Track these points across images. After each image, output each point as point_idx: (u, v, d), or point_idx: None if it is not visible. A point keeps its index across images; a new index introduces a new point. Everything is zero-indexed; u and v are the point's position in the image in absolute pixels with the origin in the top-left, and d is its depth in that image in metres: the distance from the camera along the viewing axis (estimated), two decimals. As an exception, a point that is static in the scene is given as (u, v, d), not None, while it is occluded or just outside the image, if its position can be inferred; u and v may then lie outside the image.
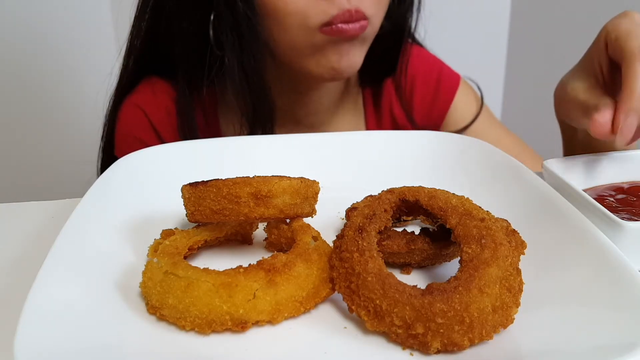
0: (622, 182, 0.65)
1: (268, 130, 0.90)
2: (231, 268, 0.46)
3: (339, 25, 0.81)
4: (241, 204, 0.50)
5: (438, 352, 0.42)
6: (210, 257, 0.55)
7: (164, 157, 0.69)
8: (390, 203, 0.53)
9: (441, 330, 0.41)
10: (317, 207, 0.56)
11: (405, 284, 0.43)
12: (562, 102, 0.71)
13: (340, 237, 0.50)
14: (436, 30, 1.08)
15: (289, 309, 0.45)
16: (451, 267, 0.53)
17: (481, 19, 2.12)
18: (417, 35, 1.06)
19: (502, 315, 0.42)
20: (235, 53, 0.84)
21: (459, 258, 0.46)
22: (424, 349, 0.42)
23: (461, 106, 1.07)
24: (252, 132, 0.90)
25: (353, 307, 0.44)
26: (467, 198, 0.52)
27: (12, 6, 1.59)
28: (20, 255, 0.59)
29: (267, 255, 0.48)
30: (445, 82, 1.07)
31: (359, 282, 0.44)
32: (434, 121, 1.08)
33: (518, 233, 0.50)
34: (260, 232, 0.58)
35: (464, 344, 0.41)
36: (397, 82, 1.05)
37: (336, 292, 0.47)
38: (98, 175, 0.66)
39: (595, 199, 0.55)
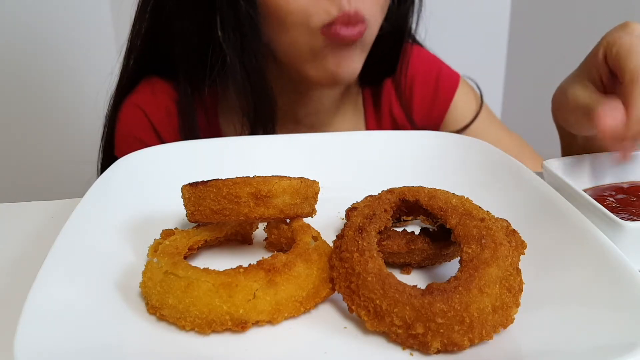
0: (622, 182, 0.65)
1: (269, 131, 0.91)
2: (231, 268, 0.46)
3: (339, 30, 0.81)
4: (241, 204, 0.50)
5: (438, 352, 0.42)
6: (210, 257, 0.55)
7: (164, 157, 0.69)
8: (390, 203, 0.53)
9: (441, 330, 0.41)
10: (317, 207, 0.56)
11: (405, 284, 0.43)
12: (562, 108, 0.70)
13: (340, 237, 0.50)
14: (436, 30, 1.08)
15: (289, 309, 0.45)
16: (451, 267, 0.53)
17: (481, 19, 2.12)
18: (417, 36, 1.06)
19: (502, 315, 0.42)
20: (237, 52, 0.84)
21: (459, 258, 0.46)
22: (424, 349, 0.42)
23: (461, 105, 1.07)
24: (253, 132, 0.90)
25: (353, 307, 0.44)
26: (467, 198, 0.52)
27: (12, 6, 1.59)
28: (20, 255, 0.58)
29: (267, 255, 0.48)
30: (445, 81, 1.07)
31: (359, 282, 0.44)
32: (434, 121, 1.08)
33: (518, 233, 0.50)
34: (260, 232, 0.58)
35: (464, 344, 0.41)
36: (396, 82, 1.05)
37: (336, 292, 0.47)
38: (98, 175, 0.66)
39: (595, 199, 0.55)
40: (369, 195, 0.59)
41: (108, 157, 0.99)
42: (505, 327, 0.43)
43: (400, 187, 0.55)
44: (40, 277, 0.43)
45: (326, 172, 0.67)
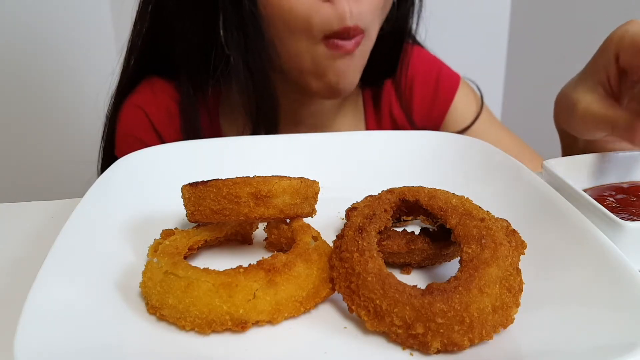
0: (622, 182, 0.65)
1: (272, 131, 0.91)
2: (231, 268, 0.46)
3: (336, 41, 0.82)
4: (241, 204, 0.50)
5: (438, 352, 0.42)
6: (210, 257, 0.55)
7: (164, 157, 0.69)
8: (390, 203, 0.53)
9: (441, 330, 0.41)
10: (317, 207, 0.56)
11: (405, 284, 0.43)
12: (567, 113, 0.69)
13: (340, 237, 0.50)
14: (436, 30, 1.08)
15: (289, 309, 0.45)
16: (451, 267, 0.53)
17: (481, 19, 2.12)
18: (417, 36, 1.06)
19: (502, 315, 0.42)
20: (240, 52, 0.84)
21: (459, 258, 0.46)
22: (424, 349, 0.42)
23: (461, 106, 1.07)
24: (255, 132, 0.90)
25: (353, 307, 0.44)
26: (467, 198, 0.52)
27: (12, 6, 1.59)
28: (20, 255, 0.58)
29: (267, 255, 0.48)
30: (445, 82, 1.07)
31: (359, 282, 0.44)
32: (434, 121, 1.08)
33: (518, 233, 0.50)
34: (260, 232, 0.58)
35: (464, 344, 0.41)
36: (397, 83, 1.05)
37: (336, 292, 0.47)
38: (98, 175, 0.66)
39: (595, 199, 0.55)
40: (369, 195, 0.59)
41: (108, 157, 0.99)
42: (505, 327, 0.43)
43: (400, 187, 0.55)
44: (40, 277, 0.43)
45: (326, 172, 0.67)
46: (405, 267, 0.53)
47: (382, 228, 0.51)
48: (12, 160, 1.70)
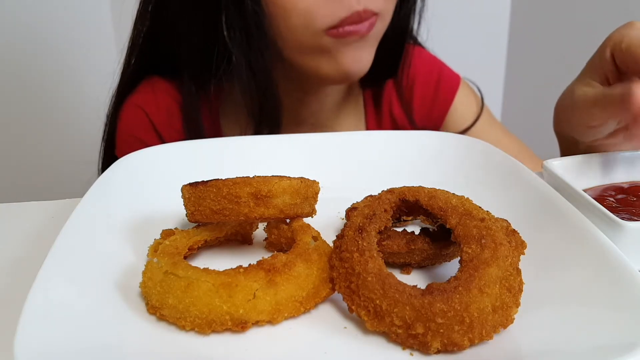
0: (622, 182, 0.65)
1: (274, 131, 0.90)
2: (231, 268, 0.46)
3: (347, 27, 0.80)
4: (241, 204, 0.50)
5: (438, 352, 0.42)
6: (210, 257, 0.55)
7: (164, 157, 0.69)
8: (390, 203, 0.53)
9: (441, 330, 0.41)
10: (317, 207, 0.56)
11: (405, 284, 0.43)
12: (568, 110, 0.69)
13: (340, 237, 0.50)
14: (436, 30, 1.08)
15: (289, 309, 0.45)
16: (451, 267, 0.53)
17: (481, 20, 2.12)
18: (419, 37, 1.06)
19: (502, 315, 0.42)
20: (243, 51, 0.84)
21: (459, 258, 0.46)
22: (424, 349, 0.42)
23: (461, 107, 1.07)
24: (258, 131, 0.90)
25: (353, 307, 0.44)
26: (467, 198, 0.52)
27: (12, 6, 1.59)
28: (20, 255, 0.58)
29: (267, 255, 0.48)
30: (446, 83, 1.07)
31: (359, 282, 0.44)
32: (434, 122, 1.08)
33: (518, 233, 0.50)
34: (260, 232, 0.58)
35: (464, 344, 0.41)
36: (397, 83, 1.05)
37: (336, 292, 0.47)
38: (98, 175, 0.66)
39: (595, 199, 0.55)
40: (369, 195, 0.59)
41: (109, 157, 0.99)
42: (505, 327, 0.43)
43: (400, 187, 0.55)
44: (40, 277, 0.43)
45: (326, 172, 0.67)
46: (405, 267, 0.53)
47: (382, 228, 0.51)
48: (12, 160, 1.70)
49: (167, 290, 0.44)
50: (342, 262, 0.47)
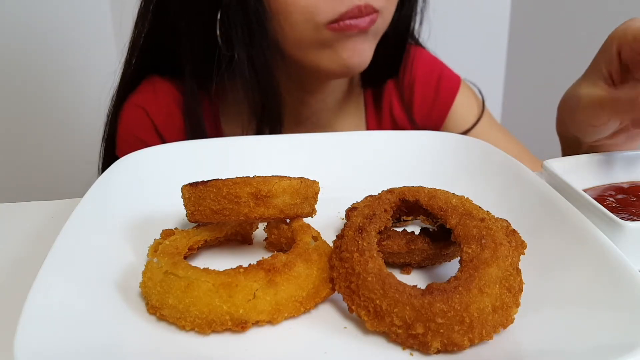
0: (622, 182, 0.65)
1: (276, 130, 0.90)
2: (231, 268, 0.46)
3: (347, 21, 0.81)
4: (241, 204, 0.50)
5: (438, 352, 0.42)
6: (210, 257, 0.55)
7: (164, 157, 0.69)
8: (390, 203, 0.53)
9: (441, 330, 0.41)
10: (317, 207, 0.56)
11: (405, 284, 0.43)
12: (573, 110, 0.69)
13: (340, 237, 0.50)
14: (436, 31, 1.08)
15: (289, 309, 0.45)
16: (451, 267, 0.53)
17: (481, 20, 2.12)
18: (420, 37, 1.06)
19: (502, 315, 0.42)
20: (245, 49, 0.84)
21: (459, 258, 0.46)
22: (424, 349, 0.42)
23: (461, 109, 1.07)
24: (259, 130, 0.90)
25: (353, 307, 0.44)
26: (467, 198, 0.52)
27: (12, 6, 1.59)
28: (20, 255, 0.58)
29: (267, 255, 0.48)
30: (446, 84, 1.07)
31: (359, 282, 0.44)
32: (434, 123, 1.08)
33: (518, 233, 0.50)
34: (260, 232, 0.58)
35: (464, 344, 0.41)
36: (398, 84, 1.05)
37: (336, 292, 0.47)
38: (99, 175, 0.67)
39: (595, 199, 0.55)
40: (369, 195, 0.59)
41: (109, 157, 0.99)
42: (505, 327, 0.43)
43: (400, 187, 0.55)
44: (40, 277, 0.43)
45: (326, 172, 0.67)
46: (405, 267, 0.53)
47: (382, 228, 0.51)
48: (12, 160, 1.70)
49: (167, 290, 0.44)
50: (342, 262, 0.47)
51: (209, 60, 0.87)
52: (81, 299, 0.44)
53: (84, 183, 0.64)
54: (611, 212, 0.52)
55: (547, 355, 0.40)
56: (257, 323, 0.44)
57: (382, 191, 0.56)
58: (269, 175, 0.53)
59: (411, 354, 0.42)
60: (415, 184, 0.55)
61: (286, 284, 0.45)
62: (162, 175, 0.65)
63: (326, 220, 0.59)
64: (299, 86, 0.95)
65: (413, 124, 1.06)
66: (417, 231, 0.53)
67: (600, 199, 0.60)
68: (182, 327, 0.44)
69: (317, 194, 0.55)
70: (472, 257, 0.44)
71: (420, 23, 1.01)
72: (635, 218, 0.56)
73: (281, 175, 0.53)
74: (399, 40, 0.99)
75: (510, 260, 0.45)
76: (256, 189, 0.50)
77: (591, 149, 0.73)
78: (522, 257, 0.47)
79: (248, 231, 0.57)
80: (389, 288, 0.43)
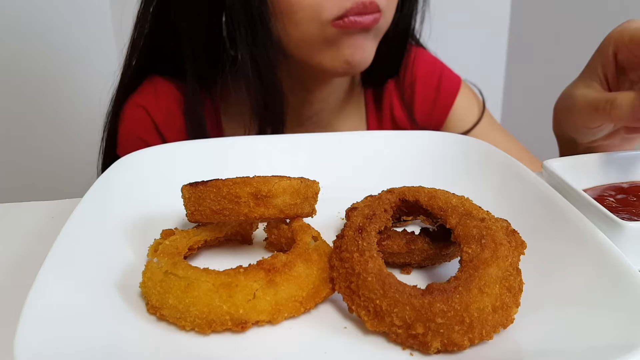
0: (622, 182, 0.65)
1: (279, 130, 0.91)
2: (231, 268, 0.46)
3: (352, 17, 0.81)
4: (241, 204, 0.50)
5: (438, 352, 0.42)
6: (210, 257, 0.55)
7: (164, 157, 0.69)
8: (390, 203, 0.53)
9: (441, 330, 0.41)
10: (317, 207, 0.56)
11: (405, 284, 0.43)
12: (567, 111, 0.70)
13: (340, 237, 0.50)
14: (436, 30, 1.08)
15: (289, 309, 0.45)
16: (451, 267, 0.53)
17: (481, 19, 2.12)
18: (421, 38, 1.06)
19: (502, 315, 0.42)
20: (248, 49, 0.84)
21: (459, 258, 0.46)
22: (424, 349, 0.42)
23: (462, 109, 1.08)
24: (262, 130, 0.91)
25: (353, 307, 0.44)
26: (467, 198, 0.52)
27: (12, 6, 1.59)
28: (20, 255, 0.59)
29: (267, 255, 0.48)
30: (447, 84, 1.08)
31: (359, 282, 0.44)
32: (435, 123, 1.08)
33: (518, 233, 0.50)
34: (260, 232, 0.58)
35: (464, 344, 0.41)
36: (399, 84, 1.05)
37: (336, 292, 0.47)
38: (98, 176, 0.67)
39: (595, 199, 0.55)
40: (369, 195, 0.59)
41: (109, 157, 0.99)
42: (505, 327, 0.43)
43: (400, 187, 0.55)
44: (40, 277, 0.43)
45: (326, 172, 0.67)
46: (405, 267, 0.53)
47: (382, 228, 0.51)
48: (12, 160, 1.70)
49: (167, 290, 0.44)
50: (342, 262, 0.47)
51: (211, 61, 0.87)
52: (81, 299, 0.44)
53: (84, 183, 0.64)
54: (611, 212, 0.52)
55: (547, 355, 0.40)
56: (257, 323, 0.44)
57: (382, 191, 0.56)
58: (269, 175, 0.53)
59: (411, 354, 0.42)
60: (415, 184, 0.55)
61: (286, 284, 0.45)
62: (162, 175, 0.65)
63: (326, 220, 0.59)
64: (301, 86, 0.95)
65: (413, 124, 1.06)
66: (417, 231, 0.53)
67: (600, 199, 0.60)
68: (182, 327, 0.44)
69: (317, 194, 0.55)
70: (472, 257, 0.44)
71: (421, 22, 1.01)
72: (635, 218, 0.56)
73: (281, 175, 0.53)
74: (399, 40, 0.99)
75: (510, 260, 0.45)
76: (256, 189, 0.50)
77: (588, 150, 0.73)
78: (522, 257, 0.47)
79: (248, 231, 0.57)
80: (389, 288, 0.43)
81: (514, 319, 0.43)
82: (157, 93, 0.97)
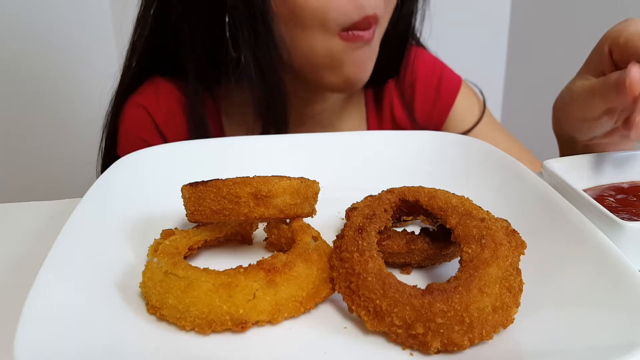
0: (622, 182, 0.65)
1: (281, 130, 0.91)
2: (231, 268, 0.46)
3: (356, 32, 0.82)
4: (241, 204, 0.50)
5: (438, 352, 0.42)
6: (210, 257, 0.55)
7: (164, 157, 0.69)
8: (390, 203, 0.53)
9: (441, 330, 0.41)
10: (317, 207, 0.56)
11: (405, 284, 0.43)
12: (567, 106, 0.70)
13: (340, 237, 0.50)
14: (436, 30, 1.08)
15: (289, 309, 0.45)
16: (451, 267, 0.53)
17: (481, 19, 2.12)
18: (421, 37, 1.06)
19: (502, 315, 0.42)
20: (251, 50, 0.84)
21: (459, 258, 0.46)
22: (424, 349, 0.42)
23: (462, 109, 1.08)
24: (265, 130, 0.91)
25: (353, 307, 0.44)
26: (467, 198, 0.52)
27: (12, 6, 1.59)
28: (20, 255, 0.59)
29: (267, 255, 0.48)
30: (447, 84, 1.08)
31: (359, 282, 0.44)
32: (435, 123, 1.08)
33: (518, 233, 0.50)
34: (260, 232, 0.58)
35: (464, 344, 0.41)
36: (399, 84, 1.05)
37: (336, 292, 0.47)
38: (98, 176, 0.67)
39: (595, 199, 0.55)
40: (369, 195, 0.59)
41: (109, 157, 0.99)
42: (505, 327, 0.43)
43: (400, 187, 0.55)
44: (40, 277, 0.43)
45: (326, 172, 0.67)
46: (405, 267, 0.53)
47: (382, 228, 0.51)
48: (12, 160, 1.70)
49: (167, 290, 0.44)
50: (342, 262, 0.47)
51: (212, 62, 0.88)
52: (81, 299, 0.44)
53: (84, 183, 0.64)
54: (611, 212, 0.52)
55: (547, 355, 0.40)
56: (257, 323, 0.44)
57: (382, 191, 0.56)
58: (269, 175, 0.53)
59: (411, 354, 0.42)
60: (415, 184, 0.55)
61: (286, 284, 0.45)
62: (162, 175, 0.65)
63: (326, 220, 0.59)
64: (302, 87, 0.95)
65: (414, 124, 1.06)
66: (417, 231, 0.53)
67: (600, 199, 0.60)
68: (182, 327, 0.44)
69: (317, 194, 0.55)
70: (472, 257, 0.44)
71: (422, 21, 1.01)
72: (635, 218, 0.56)
73: (281, 175, 0.53)
74: (400, 40, 0.99)
75: (510, 260, 0.45)
76: (256, 189, 0.50)
77: (586, 148, 0.73)
78: (522, 257, 0.47)
79: (248, 231, 0.57)
80: (389, 288, 0.43)
81: (514, 319, 0.43)
82: (157, 93, 0.97)
